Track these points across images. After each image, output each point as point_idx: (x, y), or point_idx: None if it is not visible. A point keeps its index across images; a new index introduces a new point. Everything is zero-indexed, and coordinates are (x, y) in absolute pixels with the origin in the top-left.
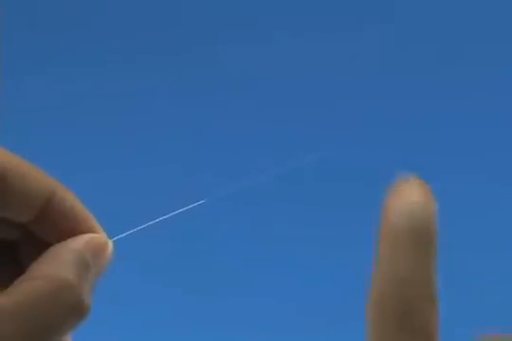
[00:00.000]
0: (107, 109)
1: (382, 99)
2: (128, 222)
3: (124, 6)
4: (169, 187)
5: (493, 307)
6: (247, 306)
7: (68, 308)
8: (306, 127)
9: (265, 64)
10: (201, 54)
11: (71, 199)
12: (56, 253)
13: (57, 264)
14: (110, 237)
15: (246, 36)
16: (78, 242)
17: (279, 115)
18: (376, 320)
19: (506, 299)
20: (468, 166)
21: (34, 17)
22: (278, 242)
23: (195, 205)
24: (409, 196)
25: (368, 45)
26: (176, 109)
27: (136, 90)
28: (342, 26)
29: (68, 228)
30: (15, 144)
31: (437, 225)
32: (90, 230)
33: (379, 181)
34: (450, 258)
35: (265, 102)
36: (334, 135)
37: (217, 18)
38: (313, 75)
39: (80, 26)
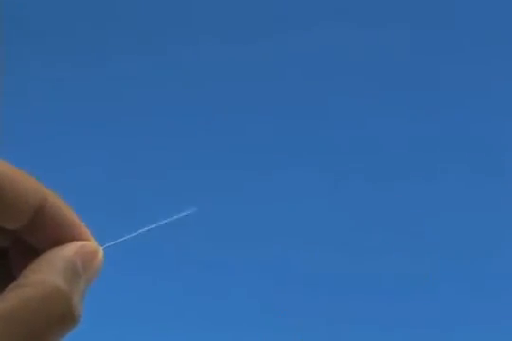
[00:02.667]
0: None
1: None
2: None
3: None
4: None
5: None
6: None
7: (59, 315)
8: None
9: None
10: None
11: (62, 206)
12: (47, 260)
13: (47, 271)
14: (100, 244)
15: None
16: (68, 250)
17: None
18: None
19: None
20: None
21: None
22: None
23: (184, 214)
24: None
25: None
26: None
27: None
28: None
29: (59, 236)
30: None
31: None
32: (81, 237)
33: None
34: None
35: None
36: None
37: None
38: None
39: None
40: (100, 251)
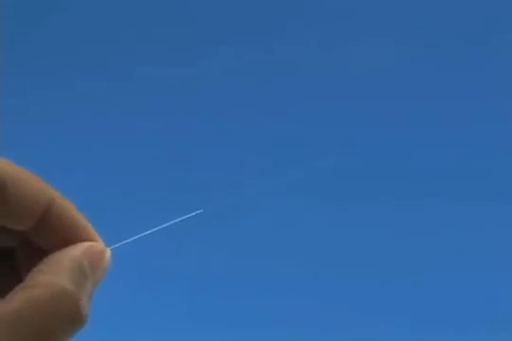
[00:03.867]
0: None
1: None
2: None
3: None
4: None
5: None
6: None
7: (66, 316)
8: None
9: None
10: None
11: (69, 207)
12: (54, 261)
13: (55, 272)
14: (108, 245)
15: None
16: (76, 251)
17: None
18: None
19: None
20: None
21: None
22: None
23: (191, 215)
24: None
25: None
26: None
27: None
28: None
29: (66, 236)
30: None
31: None
32: (88, 238)
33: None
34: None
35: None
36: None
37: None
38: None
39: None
40: (108, 252)
